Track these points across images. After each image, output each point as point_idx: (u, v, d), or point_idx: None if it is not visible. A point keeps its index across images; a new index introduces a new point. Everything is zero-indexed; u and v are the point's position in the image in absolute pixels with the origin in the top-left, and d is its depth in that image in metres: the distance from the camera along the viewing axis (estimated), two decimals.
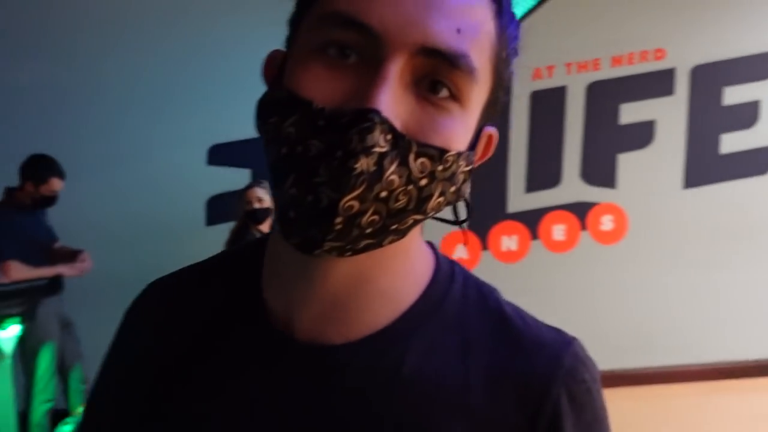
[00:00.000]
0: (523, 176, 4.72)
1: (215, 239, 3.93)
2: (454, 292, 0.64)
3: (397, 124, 0.52)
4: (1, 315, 3.24)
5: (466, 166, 0.58)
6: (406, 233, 0.57)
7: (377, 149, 0.50)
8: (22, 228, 3.64)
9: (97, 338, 3.89)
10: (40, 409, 3.56)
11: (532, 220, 4.72)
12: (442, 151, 0.53)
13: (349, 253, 0.54)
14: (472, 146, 0.59)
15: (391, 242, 0.56)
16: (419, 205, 0.54)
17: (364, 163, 0.50)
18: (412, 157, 0.52)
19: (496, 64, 0.58)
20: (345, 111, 0.51)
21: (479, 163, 0.63)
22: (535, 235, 4.73)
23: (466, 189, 0.60)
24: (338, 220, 0.51)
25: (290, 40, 0.59)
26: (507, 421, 0.59)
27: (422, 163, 0.53)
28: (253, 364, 0.61)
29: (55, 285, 3.68)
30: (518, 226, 4.72)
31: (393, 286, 0.62)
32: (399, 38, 0.51)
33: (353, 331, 0.61)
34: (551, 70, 4.62)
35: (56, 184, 3.69)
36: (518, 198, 4.72)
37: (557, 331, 0.64)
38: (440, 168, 0.54)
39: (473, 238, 4.67)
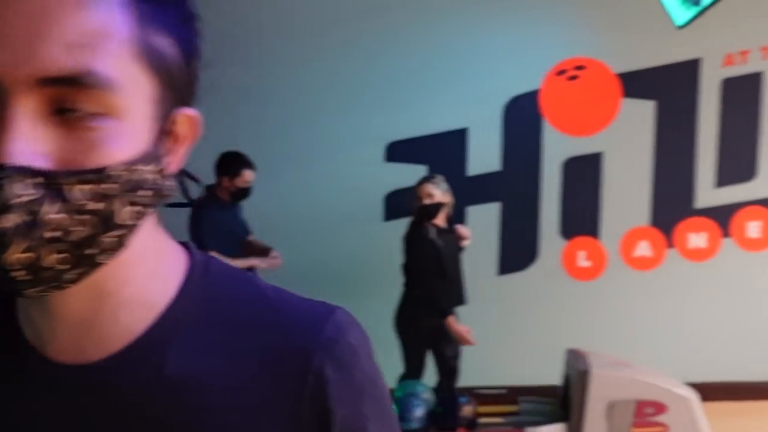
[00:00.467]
0: (713, 169, 4.44)
1: (393, 234, 4.03)
2: (210, 287, 0.62)
3: (44, 162, 0.48)
4: None
5: (154, 165, 0.54)
6: (119, 247, 0.54)
7: (20, 200, 0.47)
8: (221, 222, 3.89)
9: None
10: None
11: (723, 216, 4.44)
12: (99, 171, 0.49)
13: (65, 287, 0.52)
14: (160, 140, 0.55)
15: (107, 260, 0.54)
16: (107, 226, 0.51)
17: (11, 220, 0.47)
18: (68, 189, 0.49)
19: (149, 48, 0.52)
20: None
21: (187, 146, 0.60)
22: (726, 233, 4.44)
23: (168, 184, 0.57)
24: (19, 273, 0.49)
25: None
26: (278, 402, 0.58)
27: (82, 190, 0.49)
28: (23, 398, 0.59)
29: None
30: (708, 222, 4.44)
31: (139, 292, 0.59)
32: (11, 77, 0.47)
33: (110, 345, 0.58)
34: (745, 55, 4.32)
35: (248, 175, 3.92)
36: (707, 193, 4.45)
37: (322, 305, 0.62)
38: (110, 185, 0.50)
39: (657, 234, 4.45)
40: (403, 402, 2.98)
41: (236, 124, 4.55)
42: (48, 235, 0.49)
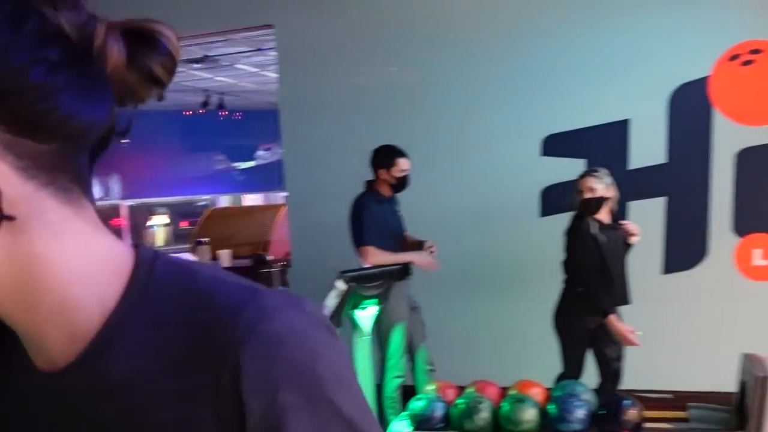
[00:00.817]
0: None
1: (549, 230, 3.92)
2: (153, 287, 0.60)
3: None
4: (360, 296, 3.56)
5: None
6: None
7: None
8: (380, 216, 3.98)
9: (438, 322, 4.15)
10: (392, 383, 3.87)
11: None
12: None
13: None
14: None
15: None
16: None
17: None
18: None
19: None
20: None
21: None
22: None
23: None
24: None
25: None
26: (202, 398, 0.56)
27: None
28: (15, 402, 0.62)
29: (405, 270, 3.96)
30: None
31: (68, 299, 0.57)
32: None
33: (73, 348, 0.59)
34: None
35: (403, 163, 3.99)
36: None
37: (249, 290, 0.59)
38: None
39: None
40: (562, 402, 2.89)
41: (392, 120, 4.63)
42: None
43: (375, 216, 3.96)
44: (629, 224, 3.74)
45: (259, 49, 7.75)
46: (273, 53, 5.08)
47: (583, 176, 3.68)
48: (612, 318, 3.50)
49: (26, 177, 0.53)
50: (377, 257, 3.89)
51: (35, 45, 0.52)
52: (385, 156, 4.01)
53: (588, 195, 3.62)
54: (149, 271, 0.61)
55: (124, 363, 0.58)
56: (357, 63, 4.79)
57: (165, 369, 0.57)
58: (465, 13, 4.58)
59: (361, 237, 3.93)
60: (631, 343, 3.49)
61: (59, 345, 0.59)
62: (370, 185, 4.08)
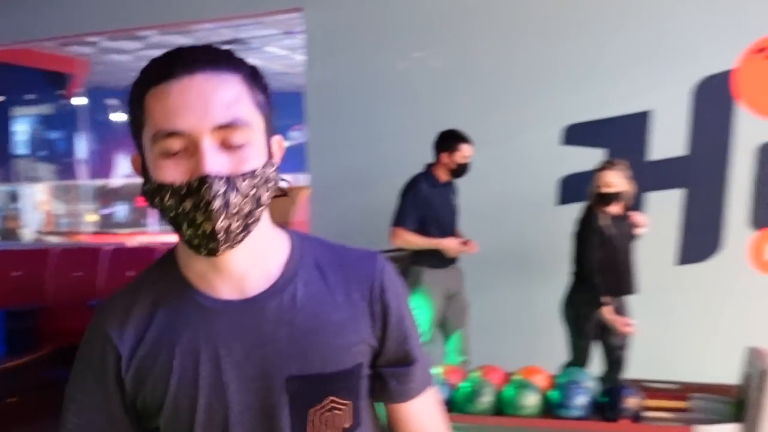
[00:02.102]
0: None
1: (564, 219, 3.95)
2: (305, 246, 1.05)
3: (224, 170, 0.87)
4: None
5: (272, 167, 0.94)
6: (260, 219, 0.94)
7: (219, 191, 0.86)
8: (428, 200, 3.96)
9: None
10: None
11: None
12: (253, 172, 0.90)
13: (236, 245, 0.92)
14: (270, 154, 0.95)
15: (254, 227, 0.94)
16: (257, 203, 0.92)
17: (216, 203, 0.86)
18: (239, 183, 0.88)
19: (258, 103, 0.92)
20: (194, 180, 0.86)
21: (281, 157, 0.99)
22: None
23: (278, 178, 0.96)
24: (220, 236, 0.89)
25: (138, 147, 0.94)
26: (360, 306, 1.02)
27: (246, 183, 0.89)
28: (213, 322, 0.97)
29: (440, 259, 3.98)
30: None
31: (269, 251, 1.01)
32: (200, 129, 0.86)
33: (265, 283, 0.99)
34: None
35: (467, 150, 3.98)
36: None
37: (367, 250, 1.08)
38: (257, 180, 0.90)
39: None
40: (565, 388, 2.94)
41: (416, 108, 4.68)
42: (233, 211, 0.88)
43: (422, 199, 3.95)
44: (637, 215, 3.77)
45: (289, 32, 7.82)
46: (302, 36, 5.11)
47: (603, 169, 3.70)
48: (606, 309, 3.55)
49: None
50: (405, 239, 3.92)
51: None
52: (449, 140, 3.99)
53: (605, 189, 3.64)
54: (299, 237, 1.06)
55: (305, 289, 1.00)
56: (385, 48, 4.82)
57: (332, 290, 1.01)
58: (492, 2, 4.59)
59: (397, 217, 3.96)
60: (624, 332, 3.56)
61: (256, 281, 0.98)
62: (429, 168, 4.07)
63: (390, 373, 1.06)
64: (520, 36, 4.52)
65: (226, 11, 5.55)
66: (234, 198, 0.87)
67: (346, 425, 1.02)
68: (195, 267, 0.99)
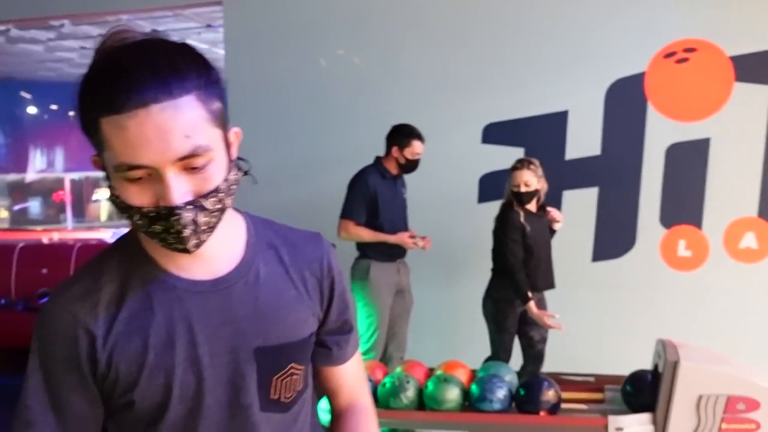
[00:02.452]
0: None
1: (485, 216, 4.02)
2: (258, 227, 1.13)
3: (189, 196, 0.92)
4: None
5: (233, 171, 0.99)
6: (223, 218, 0.99)
7: (188, 219, 0.92)
8: (378, 192, 3.94)
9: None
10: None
11: None
12: (217, 189, 0.94)
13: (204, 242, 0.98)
14: (229, 156, 0.99)
15: (218, 225, 0.99)
16: (222, 212, 0.98)
17: (188, 229, 0.93)
18: (206, 203, 0.94)
19: (215, 116, 0.94)
20: (162, 208, 0.91)
21: (237, 146, 1.02)
22: None
23: (238, 176, 1.01)
24: (190, 247, 0.96)
25: (96, 150, 0.96)
26: (311, 282, 1.13)
27: (212, 201, 0.94)
28: (186, 301, 1.03)
29: (389, 253, 3.99)
30: None
31: (231, 236, 1.08)
32: (162, 163, 0.89)
33: (230, 264, 1.07)
34: None
35: (418, 146, 3.97)
36: None
37: (311, 231, 1.19)
38: (222, 194, 0.96)
39: (765, 226, 4.23)
40: (485, 383, 2.99)
41: (333, 105, 4.66)
42: (202, 228, 0.95)
43: (370, 191, 3.93)
44: (554, 211, 3.88)
45: (210, 26, 7.69)
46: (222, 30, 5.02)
47: (520, 168, 3.76)
48: (531, 304, 3.64)
49: None
50: (353, 232, 3.91)
51: None
52: (402, 134, 3.98)
53: (523, 189, 3.72)
54: (254, 221, 1.14)
55: (265, 268, 1.09)
56: (304, 45, 4.79)
57: (288, 269, 1.11)
58: (407, 3, 4.61)
59: (345, 209, 3.93)
60: (551, 327, 3.64)
61: (222, 261, 1.06)
62: (378, 160, 4.04)
63: (332, 340, 1.21)
64: (442, 36, 4.57)
65: (144, 2, 5.41)
66: (203, 218, 0.94)
67: (299, 388, 1.14)
68: (165, 252, 1.02)
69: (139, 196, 0.92)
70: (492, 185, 4.37)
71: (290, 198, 4.47)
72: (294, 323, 1.10)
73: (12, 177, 12.87)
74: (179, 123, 0.88)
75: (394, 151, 3.98)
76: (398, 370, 3.19)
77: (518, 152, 4.34)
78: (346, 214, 3.92)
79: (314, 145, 4.67)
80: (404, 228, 4.07)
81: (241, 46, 4.92)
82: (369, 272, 3.96)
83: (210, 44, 8.65)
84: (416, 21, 4.60)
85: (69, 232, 10.75)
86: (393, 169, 4.03)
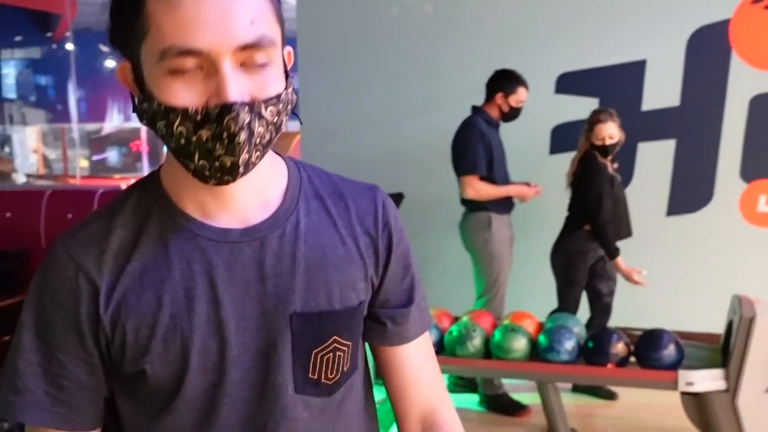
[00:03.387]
0: None
1: (556, 168, 3.96)
2: (303, 176, 0.96)
3: (246, 97, 0.76)
4: None
5: (291, 88, 0.83)
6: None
7: (245, 121, 0.76)
8: (491, 142, 3.72)
9: (438, 252, 4.22)
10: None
11: None
12: (278, 96, 0.80)
13: (243, 176, 0.82)
14: (286, 72, 0.84)
15: (262, 158, 0.83)
16: (278, 131, 0.82)
17: (242, 136, 0.76)
18: (263, 111, 0.78)
19: (279, 15, 0.81)
20: (213, 107, 0.75)
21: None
22: None
23: (294, 98, 0.85)
24: (242, 170, 0.80)
25: (127, 56, 0.82)
26: (363, 240, 0.95)
27: (271, 110, 0.79)
28: (210, 253, 0.87)
29: (506, 205, 3.82)
30: None
31: (269, 181, 0.92)
32: (221, 49, 0.74)
33: (264, 213, 0.90)
34: None
35: (523, 93, 3.79)
36: None
37: (367, 183, 1.01)
38: (282, 105, 0.81)
39: None
40: (553, 333, 2.99)
41: (410, 55, 4.63)
42: (257, 142, 0.79)
43: (486, 142, 3.69)
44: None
45: None
46: None
47: (603, 121, 3.67)
48: (619, 259, 3.58)
49: None
50: (482, 189, 3.70)
51: None
52: (508, 80, 3.76)
53: (608, 141, 3.64)
54: (297, 167, 0.97)
55: (306, 219, 0.92)
56: None
57: (335, 222, 0.94)
58: None
59: (467, 164, 3.69)
60: (638, 283, 3.57)
61: (255, 209, 0.89)
62: (480, 109, 3.83)
63: (386, 314, 0.99)
64: None
65: None
66: (258, 128, 0.78)
67: (345, 368, 0.95)
68: (191, 194, 0.88)
69: (184, 94, 0.76)
70: (565, 136, 4.29)
71: (359, 149, 4.48)
72: (341, 287, 0.91)
73: (90, 127, 13.29)
74: (244, 5, 0.75)
75: (499, 97, 3.76)
76: (465, 318, 3.21)
77: (592, 103, 4.23)
78: (470, 169, 3.66)
79: (385, 96, 4.65)
80: (508, 179, 3.87)
81: None
82: (491, 226, 3.74)
83: None
84: None
85: None
86: (496, 116, 3.82)
